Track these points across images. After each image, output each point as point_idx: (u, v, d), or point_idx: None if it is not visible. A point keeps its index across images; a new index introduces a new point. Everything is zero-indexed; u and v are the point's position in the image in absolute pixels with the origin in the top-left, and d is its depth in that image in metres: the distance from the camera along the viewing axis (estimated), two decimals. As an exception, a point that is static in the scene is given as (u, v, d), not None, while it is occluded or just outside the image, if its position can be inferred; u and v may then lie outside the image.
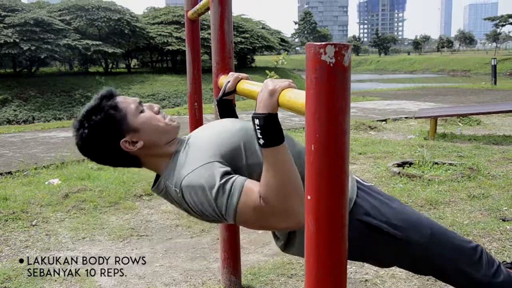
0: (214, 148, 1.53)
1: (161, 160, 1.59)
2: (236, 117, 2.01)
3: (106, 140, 1.55)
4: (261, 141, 1.38)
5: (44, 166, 5.58)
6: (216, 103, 1.95)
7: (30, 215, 3.92)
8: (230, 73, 2.04)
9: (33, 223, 3.77)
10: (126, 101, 1.58)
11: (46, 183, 4.78)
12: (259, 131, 1.39)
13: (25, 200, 4.18)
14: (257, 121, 1.39)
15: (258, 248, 3.22)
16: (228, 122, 1.71)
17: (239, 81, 1.93)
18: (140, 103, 1.61)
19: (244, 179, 1.45)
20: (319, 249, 1.10)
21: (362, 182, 1.77)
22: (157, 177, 1.62)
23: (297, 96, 1.38)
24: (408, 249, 1.67)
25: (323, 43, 1.03)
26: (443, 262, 1.70)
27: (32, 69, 26.85)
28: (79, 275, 2.89)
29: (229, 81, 1.93)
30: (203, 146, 1.55)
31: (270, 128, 1.38)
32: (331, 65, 1.04)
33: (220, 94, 1.94)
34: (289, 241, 1.70)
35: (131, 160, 1.60)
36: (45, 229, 3.66)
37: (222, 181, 1.43)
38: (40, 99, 22.08)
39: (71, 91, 23.47)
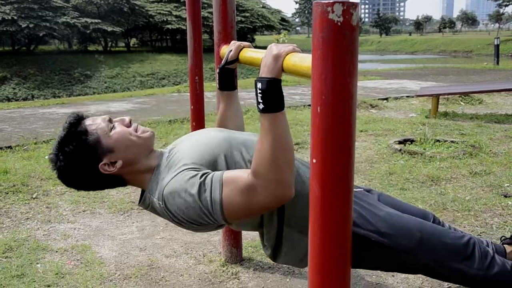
0: (193, 157, 1.51)
1: (144, 175, 1.57)
2: (235, 88, 1.97)
3: (84, 167, 1.51)
4: (261, 106, 1.36)
5: (44, 141, 5.55)
6: (218, 71, 1.92)
7: (31, 188, 3.92)
8: (232, 41, 2.00)
9: (34, 196, 3.77)
10: (95, 123, 1.54)
11: (46, 157, 4.76)
12: (260, 95, 1.36)
13: (25, 173, 4.17)
14: (259, 85, 1.36)
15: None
16: (212, 132, 1.67)
17: (241, 49, 1.89)
18: (109, 120, 1.57)
19: (222, 171, 1.44)
20: (324, 214, 1.08)
21: None
22: (143, 192, 1.60)
23: (302, 60, 1.35)
24: (397, 255, 1.67)
25: (331, 1, 1.00)
26: (434, 263, 1.69)
27: (31, 47, 26.67)
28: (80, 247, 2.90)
29: (231, 50, 1.89)
30: (183, 156, 1.53)
31: (271, 92, 1.36)
32: (339, 24, 1.01)
33: (223, 62, 1.90)
34: (276, 249, 1.68)
35: (115, 181, 1.58)
36: (45, 202, 3.66)
37: (201, 178, 1.42)
38: (39, 77, 21.99)
39: (70, 70, 23.36)
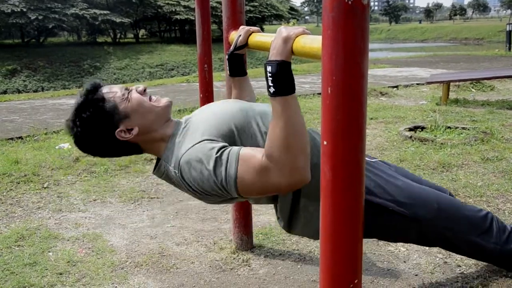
0: (210, 129, 1.51)
1: (159, 144, 1.58)
2: (245, 73, 1.97)
3: (101, 133, 1.53)
4: (271, 89, 1.35)
5: (54, 132, 5.58)
6: (227, 57, 1.91)
7: (42, 177, 3.94)
8: (241, 27, 1.98)
9: (45, 186, 3.79)
10: (112, 90, 1.55)
11: (57, 147, 4.79)
12: (271, 78, 1.35)
13: (36, 163, 4.20)
14: (269, 68, 1.35)
15: (269, 209, 3.21)
16: (228, 103, 1.68)
17: (250, 34, 1.87)
18: (126, 88, 1.58)
19: (239, 148, 1.44)
20: (335, 197, 1.07)
21: (366, 159, 1.73)
22: (158, 160, 1.60)
23: (312, 41, 1.33)
24: (415, 225, 1.66)
25: (341, -21, 0.98)
26: (452, 234, 1.69)
27: (40, 39, 26.75)
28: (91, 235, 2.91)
29: (240, 35, 1.88)
30: (200, 127, 1.53)
31: (282, 75, 1.34)
32: (349, 2, 0.99)
33: (232, 48, 1.89)
34: (291, 221, 1.69)
35: (131, 148, 1.59)
36: (56, 191, 3.68)
37: (218, 153, 1.42)
38: (49, 70, 22.08)
39: (80, 61, 23.42)
